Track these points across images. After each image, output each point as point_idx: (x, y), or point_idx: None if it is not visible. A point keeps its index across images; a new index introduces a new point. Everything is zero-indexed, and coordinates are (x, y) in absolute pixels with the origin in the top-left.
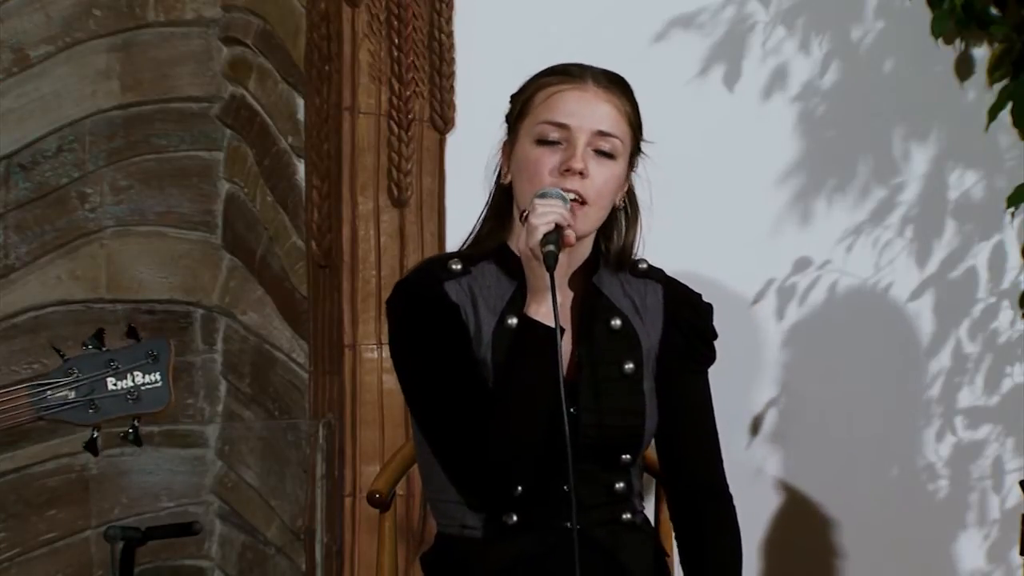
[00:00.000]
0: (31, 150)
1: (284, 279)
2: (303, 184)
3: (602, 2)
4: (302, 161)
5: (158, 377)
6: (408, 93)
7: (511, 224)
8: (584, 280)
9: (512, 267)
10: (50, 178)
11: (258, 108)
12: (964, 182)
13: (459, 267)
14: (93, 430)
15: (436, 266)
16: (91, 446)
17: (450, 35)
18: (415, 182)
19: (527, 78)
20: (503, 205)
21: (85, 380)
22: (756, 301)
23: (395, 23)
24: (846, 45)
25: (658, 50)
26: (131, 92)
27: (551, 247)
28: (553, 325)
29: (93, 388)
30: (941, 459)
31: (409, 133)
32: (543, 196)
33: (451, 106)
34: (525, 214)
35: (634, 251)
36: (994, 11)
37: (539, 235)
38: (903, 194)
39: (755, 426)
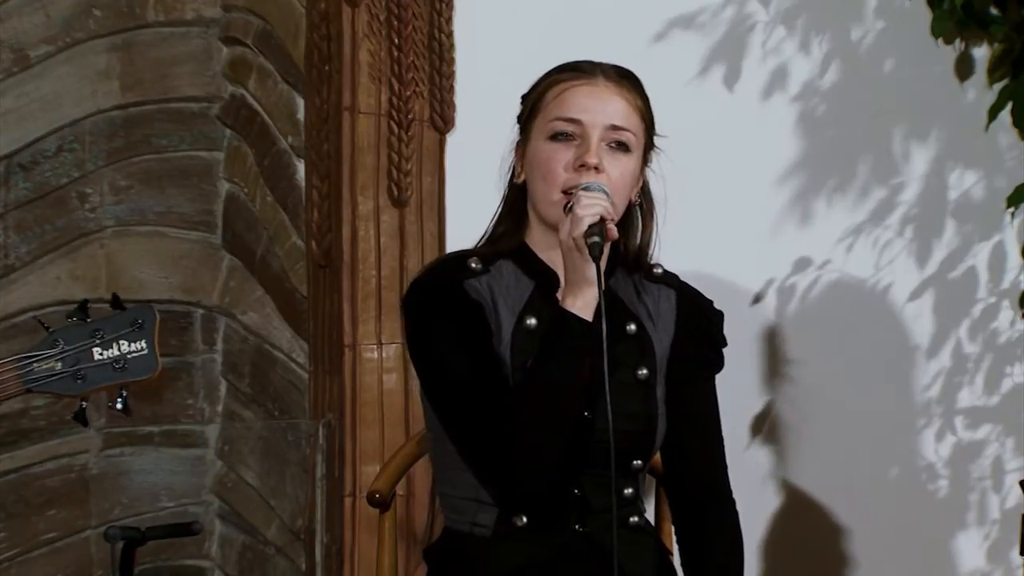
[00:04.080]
0: (31, 150)
1: (284, 279)
2: (303, 184)
3: (602, 2)
4: (302, 161)
5: (144, 345)
6: (408, 93)
7: (527, 223)
8: None
9: (530, 267)
10: (50, 178)
11: (258, 108)
12: (964, 182)
13: (478, 266)
14: (81, 401)
15: (454, 265)
16: (79, 416)
17: (450, 35)
18: (415, 182)
19: (537, 77)
20: (517, 205)
21: (71, 351)
22: (756, 301)
23: (395, 23)
24: (846, 45)
25: (658, 50)
26: (131, 92)
27: (596, 238)
28: (589, 319)
29: (79, 359)
30: (941, 459)
31: (409, 133)
32: (587, 189)
33: (451, 106)
34: (569, 205)
35: (651, 249)
36: (994, 11)
37: (584, 226)
38: (903, 194)
39: (755, 426)
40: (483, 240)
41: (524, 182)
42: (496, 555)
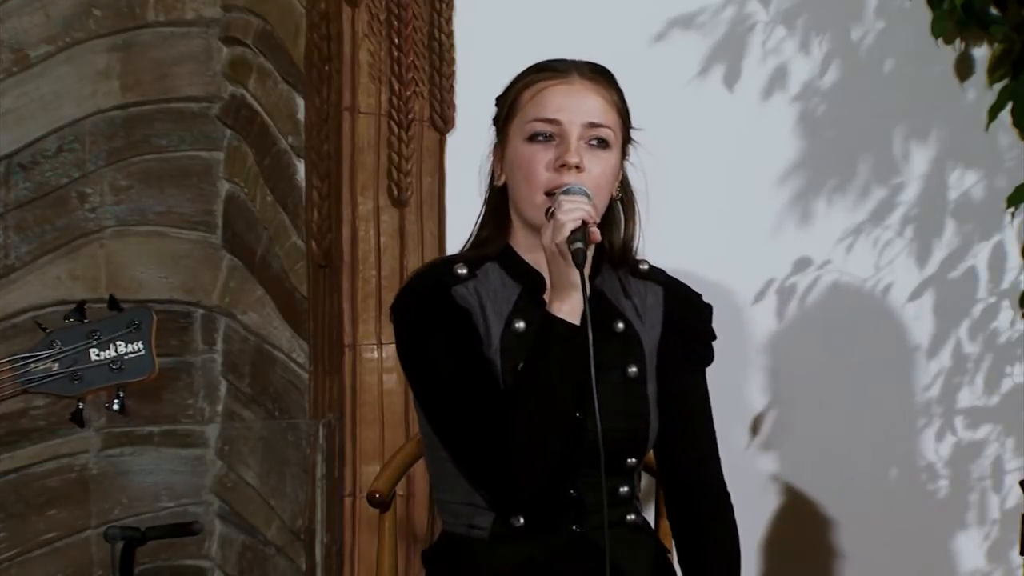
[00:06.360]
0: (31, 150)
1: (284, 279)
2: (303, 184)
3: (602, 2)
4: (302, 161)
5: (140, 346)
6: (408, 93)
7: (510, 226)
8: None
9: (516, 269)
10: (50, 178)
11: (258, 108)
12: (964, 182)
13: (465, 271)
14: (78, 402)
15: (441, 271)
16: (76, 418)
17: (450, 35)
18: (415, 182)
19: (510, 79)
20: (499, 207)
21: (68, 352)
22: (756, 301)
23: (395, 23)
24: (846, 45)
25: (658, 50)
26: (131, 92)
27: (579, 244)
28: (576, 323)
29: (76, 359)
30: (941, 459)
31: (409, 133)
32: (567, 192)
33: (451, 106)
34: (550, 211)
35: (635, 243)
36: (994, 11)
37: (566, 232)
38: (903, 194)
39: (755, 426)
40: (468, 244)
41: (504, 184)
42: (493, 557)
